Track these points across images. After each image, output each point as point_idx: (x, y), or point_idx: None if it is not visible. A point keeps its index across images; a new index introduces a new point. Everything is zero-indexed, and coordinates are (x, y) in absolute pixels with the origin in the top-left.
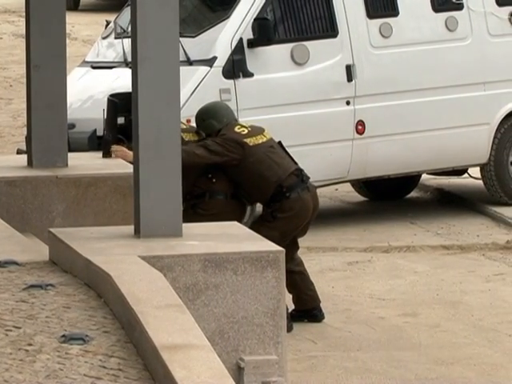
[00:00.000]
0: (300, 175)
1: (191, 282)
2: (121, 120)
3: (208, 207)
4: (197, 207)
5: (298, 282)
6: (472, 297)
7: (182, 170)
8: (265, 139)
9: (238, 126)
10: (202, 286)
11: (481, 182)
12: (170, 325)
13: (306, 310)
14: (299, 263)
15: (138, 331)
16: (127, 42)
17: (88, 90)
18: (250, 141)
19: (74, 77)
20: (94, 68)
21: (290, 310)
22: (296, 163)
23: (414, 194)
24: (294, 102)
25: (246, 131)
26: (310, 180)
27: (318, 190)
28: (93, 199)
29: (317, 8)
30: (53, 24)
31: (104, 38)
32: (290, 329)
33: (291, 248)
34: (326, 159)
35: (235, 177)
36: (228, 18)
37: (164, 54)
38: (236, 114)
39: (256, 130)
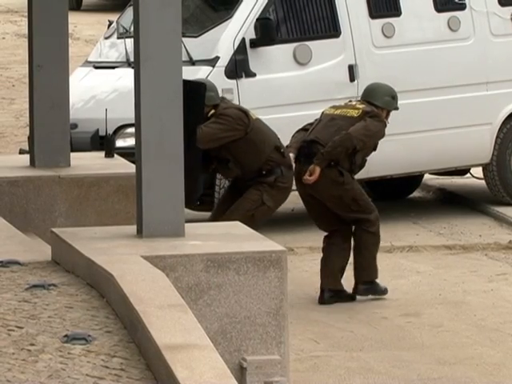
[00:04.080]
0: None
1: (194, 282)
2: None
3: (286, 180)
4: (277, 182)
5: None
6: (474, 297)
7: (255, 146)
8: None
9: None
10: (204, 286)
11: (483, 181)
12: (172, 325)
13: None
14: None
15: (140, 331)
16: (130, 41)
17: (90, 90)
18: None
19: (76, 77)
20: (96, 68)
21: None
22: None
23: (416, 193)
24: (296, 102)
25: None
26: None
27: None
28: (95, 199)
29: (319, 8)
30: (55, 24)
31: (106, 38)
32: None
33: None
34: None
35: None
36: (230, 17)
37: (166, 53)
38: None
39: None
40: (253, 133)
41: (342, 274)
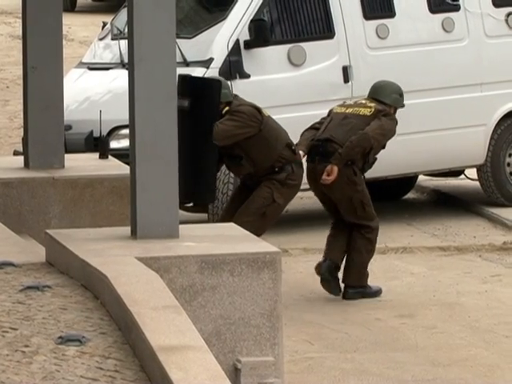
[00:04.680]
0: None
1: (188, 284)
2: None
3: (297, 177)
4: (288, 179)
5: None
6: (469, 298)
7: (268, 143)
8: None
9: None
10: (198, 288)
11: (477, 183)
12: (166, 326)
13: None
14: None
15: (134, 332)
16: (124, 43)
17: (85, 92)
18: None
19: (70, 78)
20: (90, 69)
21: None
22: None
23: (410, 195)
24: (290, 104)
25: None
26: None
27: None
28: (89, 200)
29: (313, 9)
30: (49, 25)
31: (101, 40)
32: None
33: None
34: None
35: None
36: (225, 19)
37: (160, 55)
38: None
39: None
40: (266, 130)
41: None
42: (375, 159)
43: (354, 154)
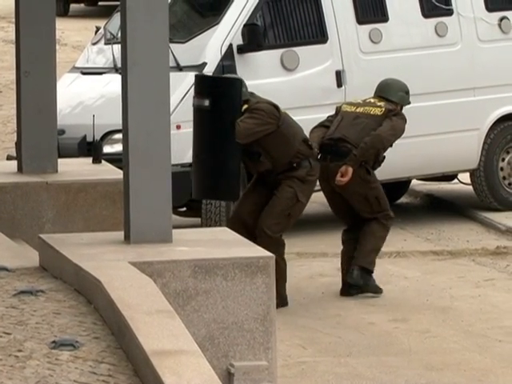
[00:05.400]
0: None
1: (181, 288)
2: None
3: (315, 172)
4: (308, 175)
5: None
6: (462, 302)
7: (286, 139)
8: None
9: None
10: (192, 292)
11: (471, 187)
12: (160, 331)
13: None
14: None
15: (128, 337)
16: (117, 47)
17: (78, 96)
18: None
19: (63, 83)
20: (83, 74)
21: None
22: None
23: (403, 199)
24: (283, 108)
25: None
26: None
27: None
28: (83, 205)
29: (306, 14)
30: (43, 30)
31: (94, 44)
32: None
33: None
34: None
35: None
36: (218, 23)
37: (154, 59)
38: None
39: None
40: (283, 126)
41: None
42: (384, 157)
43: (368, 155)
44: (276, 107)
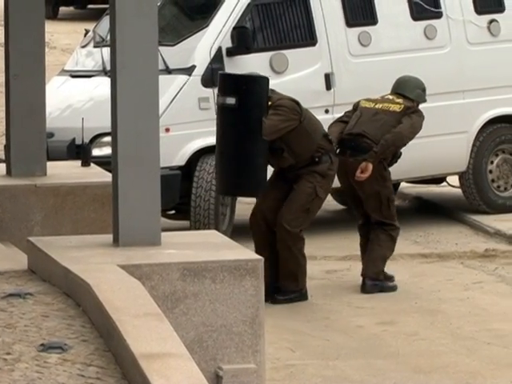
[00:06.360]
0: None
1: (170, 291)
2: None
3: (335, 166)
4: (328, 170)
5: None
6: (450, 305)
7: (308, 135)
8: None
9: None
10: (180, 295)
11: (459, 190)
12: (148, 333)
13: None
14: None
15: (116, 340)
16: (106, 50)
17: (67, 99)
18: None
19: (53, 86)
20: (73, 77)
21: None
22: None
23: None
24: None
25: None
26: None
27: None
28: (71, 208)
29: (296, 17)
30: (32, 33)
31: (83, 47)
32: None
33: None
34: None
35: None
36: (207, 26)
37: (143, 62)
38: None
39: None
40: (305, 122)
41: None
42: (401, 154)
43: (388, 152)
44: (297, 103)
